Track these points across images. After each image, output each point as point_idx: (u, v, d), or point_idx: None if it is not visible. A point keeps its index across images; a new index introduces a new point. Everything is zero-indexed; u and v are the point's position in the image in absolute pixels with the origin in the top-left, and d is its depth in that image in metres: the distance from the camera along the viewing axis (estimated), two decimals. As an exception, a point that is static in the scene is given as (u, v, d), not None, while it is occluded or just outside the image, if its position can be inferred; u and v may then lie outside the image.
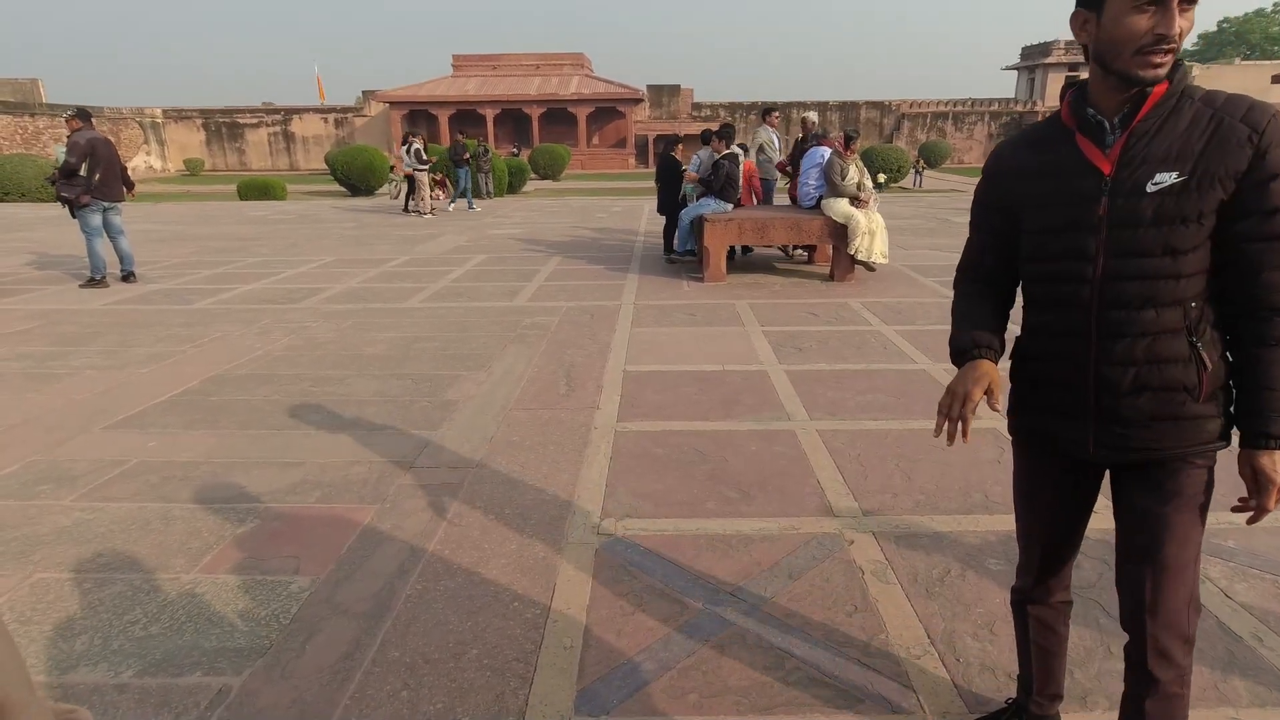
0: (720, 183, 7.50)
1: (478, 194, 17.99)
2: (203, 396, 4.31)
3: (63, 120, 36.36)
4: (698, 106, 43.86)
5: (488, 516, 2.87)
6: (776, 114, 9.61)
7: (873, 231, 7.14)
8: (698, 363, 4.82)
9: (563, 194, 22.15)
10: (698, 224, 7.72)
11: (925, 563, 2.54)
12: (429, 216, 14.44)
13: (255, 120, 45.70)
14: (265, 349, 5.31)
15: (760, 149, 9.32)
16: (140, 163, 42.10)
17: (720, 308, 6.36)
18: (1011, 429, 1.61)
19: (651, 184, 12.08)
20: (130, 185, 8.17)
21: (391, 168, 21.28)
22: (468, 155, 16.18)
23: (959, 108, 43.20)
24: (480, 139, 20.26)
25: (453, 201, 16.18)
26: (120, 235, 7.86)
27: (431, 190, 15.41)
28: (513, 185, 22.01)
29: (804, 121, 9.15)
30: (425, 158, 14.74)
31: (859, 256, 7.15)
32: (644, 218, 13.90)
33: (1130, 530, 1.42)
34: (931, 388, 4.31)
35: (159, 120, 44.69)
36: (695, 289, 7.17)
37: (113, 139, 8.01)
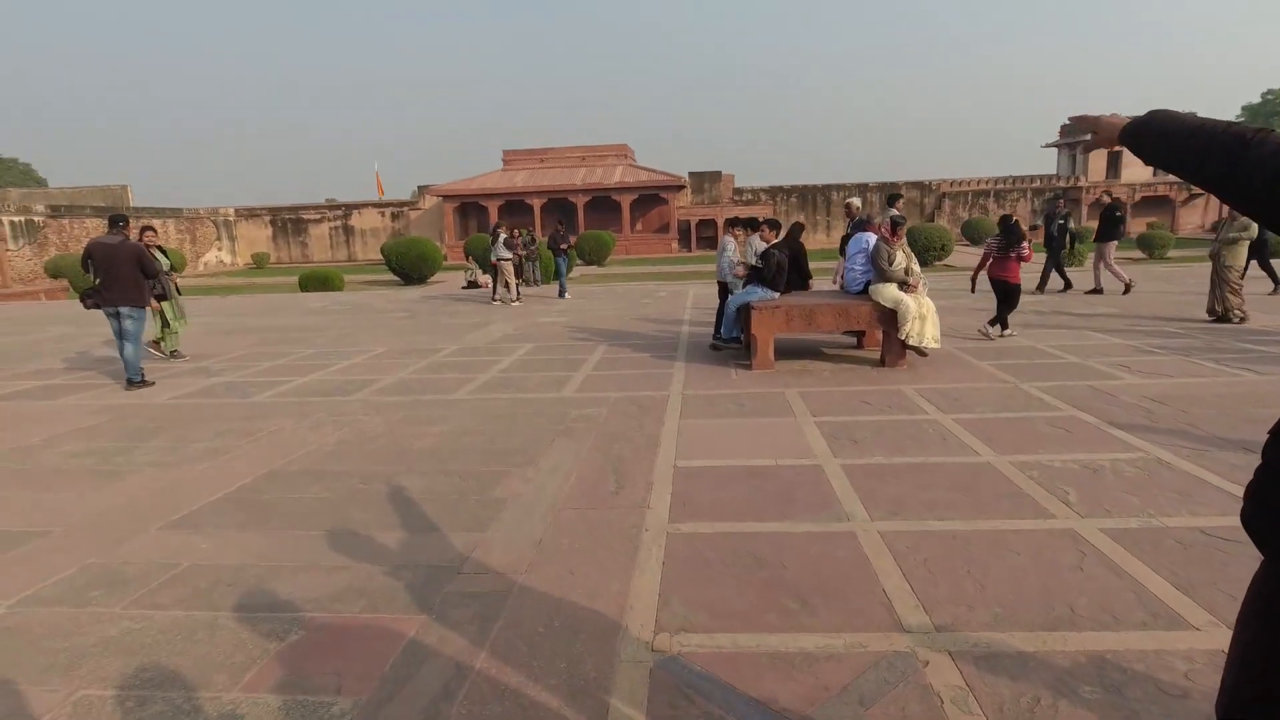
0: (771, 271, 7.53)
1: (527, 281, 18.33)
2: (255, 494, 4.34)
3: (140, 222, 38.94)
4: (739, 191, 44.88)
5: (536, 629, 2.75)
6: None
7: (924, 316, 7.01)
8: (749, 457, 4.69)
9: (608, 279, 22.58)
10: (744, 311, 7.72)
11: (1010, 690, 2.31)
12: (517, 304, 14.73)
13: (318, 216, 48.29)
14: (318, 443, 5.37)
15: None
16: (212, 257, 44.68)
17: (770, 397, 6.25)
18: (1257, 524, 1.26)
19: (692, 268, 12.19)
20: (160, 293, 8.58)
21: (468, 258, 21.71)
22: (565, 246, 16.27)
23: (1000, 185, 43.31)
24: (528, 229, 20.93)
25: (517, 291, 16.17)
26: (128, 341, 7.68)
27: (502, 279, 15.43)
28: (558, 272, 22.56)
29: (848, 207, 9.22)
30: (514, 246, 15.13)
31: (910, 341, 7.01)
32: (689, 303, 14.01)
33: None
34: (997, 482, 4.09)
35: (231, 218, 47.57)
36: (744, 377, 7.09)
37: (144, 238, 8.11)
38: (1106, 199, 12.70)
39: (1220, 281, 9.34)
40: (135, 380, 7.71)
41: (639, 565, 3.24)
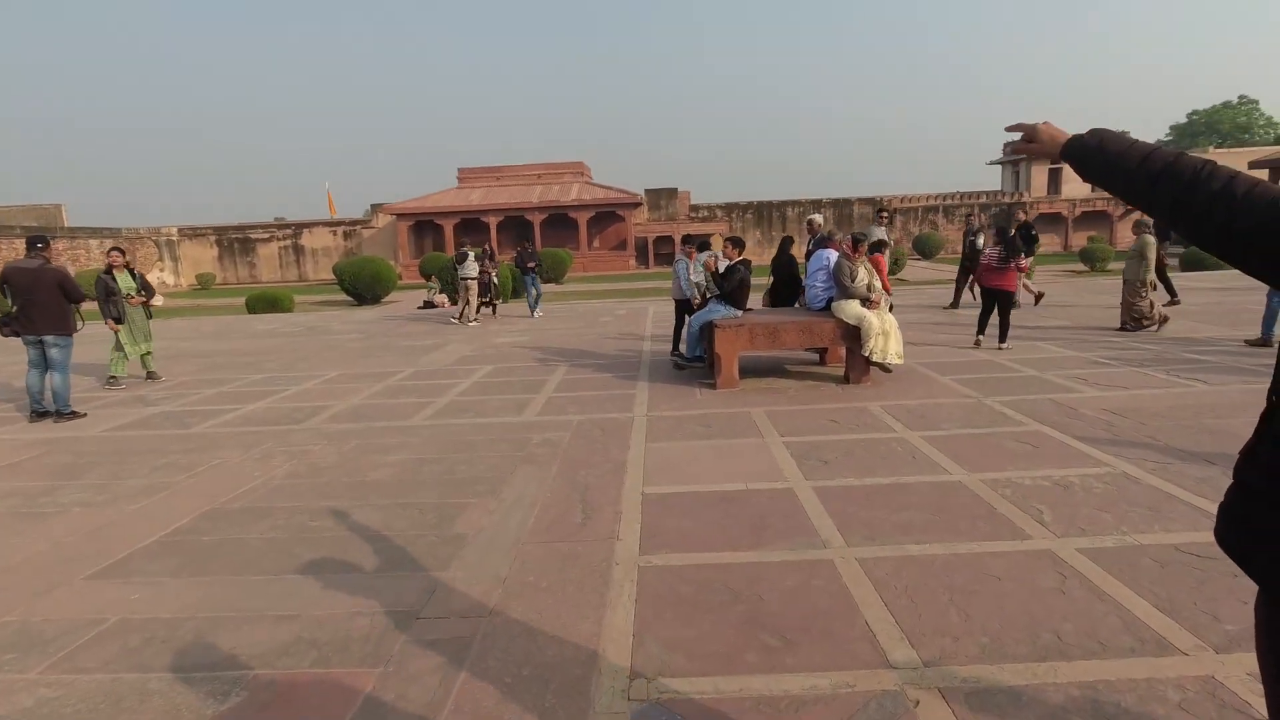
0: (733, 286, 7.46)
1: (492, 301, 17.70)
2: (194, 536, 4.04)
3: (82, 244, 37.48)
4: (695, 208, 45.21)
5: (504, 679, 2.56)
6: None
7: (886, 332, 7.02)
8: (719, 481, 4.57)
9: (566, 297, 22.40)
10: (707, 329, 7.63)
11: (1006, 729, 2.21)
12: (474, 324, 14.35)
13: (267, 235, 47.08)
14: (265, 477, 5.07)
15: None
16: (153, 279, 43.06)
17: (736, 417, 6.15)
18: (1233, 542, 1.28)
19: (651, 285, 12.13)
20: (117, 315, 8.21)
21: (429, 278, 21.06)
22: (533, 264, 15.73)
23: (948, 200, 44.50)
24: (485, 245, 20.49)
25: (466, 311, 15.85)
26: (54, 370, 7.22)
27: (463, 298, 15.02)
28: (516, 291, 22.31)
29: (810, 224, 9.24)
30: (475, 265, 14.71)
31: (874, 358, 7.01)
32: (649, 320, 13.92)
33: None
34: (971, 502, 4.04)
35: (174, 238, 46.04)
36: (709, 397, 6.99)
37: (58, 267, 7.52)
38: (1022, 216, 13.09)
39: (1127, 294, 9.81)
40: (65, 412, 7.24)
41: (610, 603, 3.08)
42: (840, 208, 44.82)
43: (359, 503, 4.47)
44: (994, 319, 8.86)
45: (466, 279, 14.59)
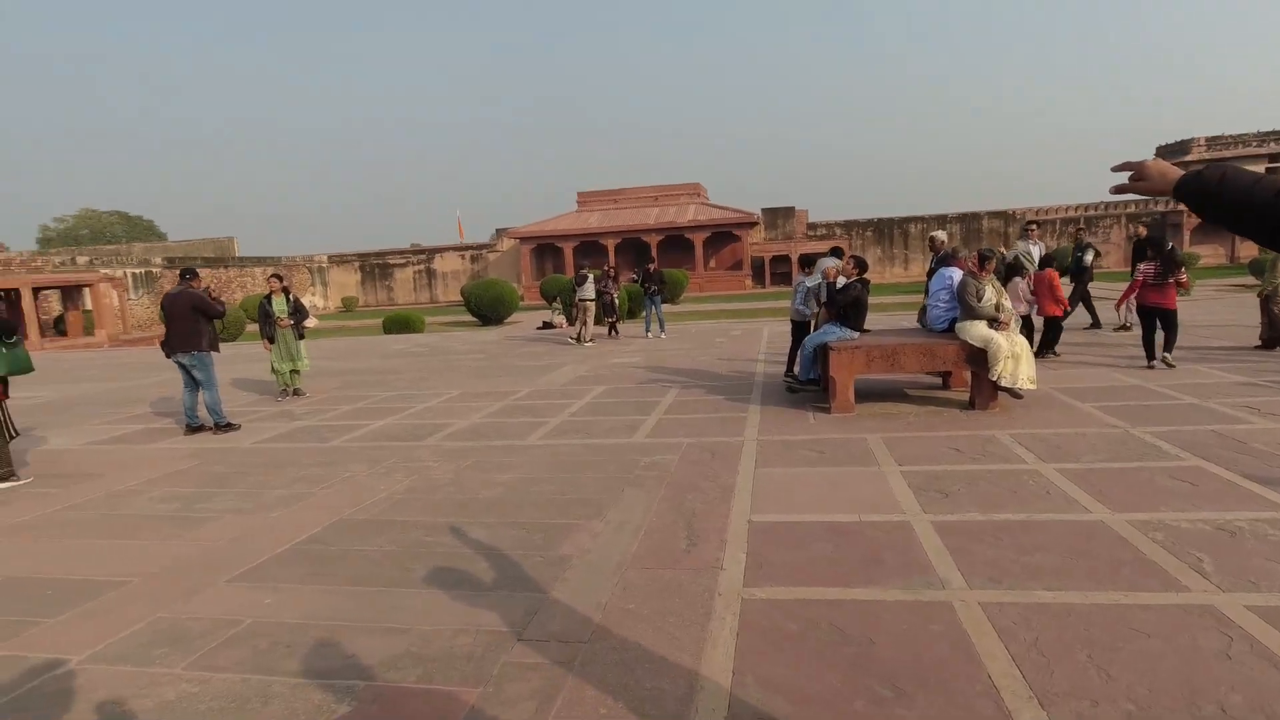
0: (846, 302, 7.19)
1: (599, 320, 17.84)
2: (322, 546, 4.31)
3: (255, 271, 41.57)
4: (813, 226, 44.34)
5: (599, 710, 2.53)
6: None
7: (1017, 355, 6.53)
8: (830, 511, 4.37)
9: (681, 317, 22.49)
10: (821, 351, 7.39)
11: (1154, 814, 1.94)
12: (590, 345, 14.61)
13: (403, 260, 50.37)
14: (387, 491, 5.35)
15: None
16: (306, 302, 47.19)
17: (851, 443, 5.89)
18: None
19: (767, 305, 11.92)
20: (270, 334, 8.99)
21: (552, 300, 21.47)
22: (656, 286, 15.59)
23: (1090, 211, 41.27)
24: (607, 266, 20.70)
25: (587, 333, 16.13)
26: (203, 388, 7.96)
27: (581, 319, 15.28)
28: (632, 311, 22.63)
29: (932, 240, 8.80)
30: (595, 287, 14.98)
31: (1002, 383, 6.53)
32: (763, 341, 13.70)
33: None
34: (1115, 545, 3.64)
35: (324, 265, 50.17)
36: (822, 421, 6.75)
37: (192, 288, 8.13)
38: (1143, 231, 11.81)
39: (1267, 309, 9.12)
40: (221, 425, 7.96)
41: (710, 637, 2.99)
42: (967, 223, 42.61)
43: (470, 520, 4.61)
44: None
45: (584, 300, 14.92)
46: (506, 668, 2.84)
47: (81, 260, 34.16)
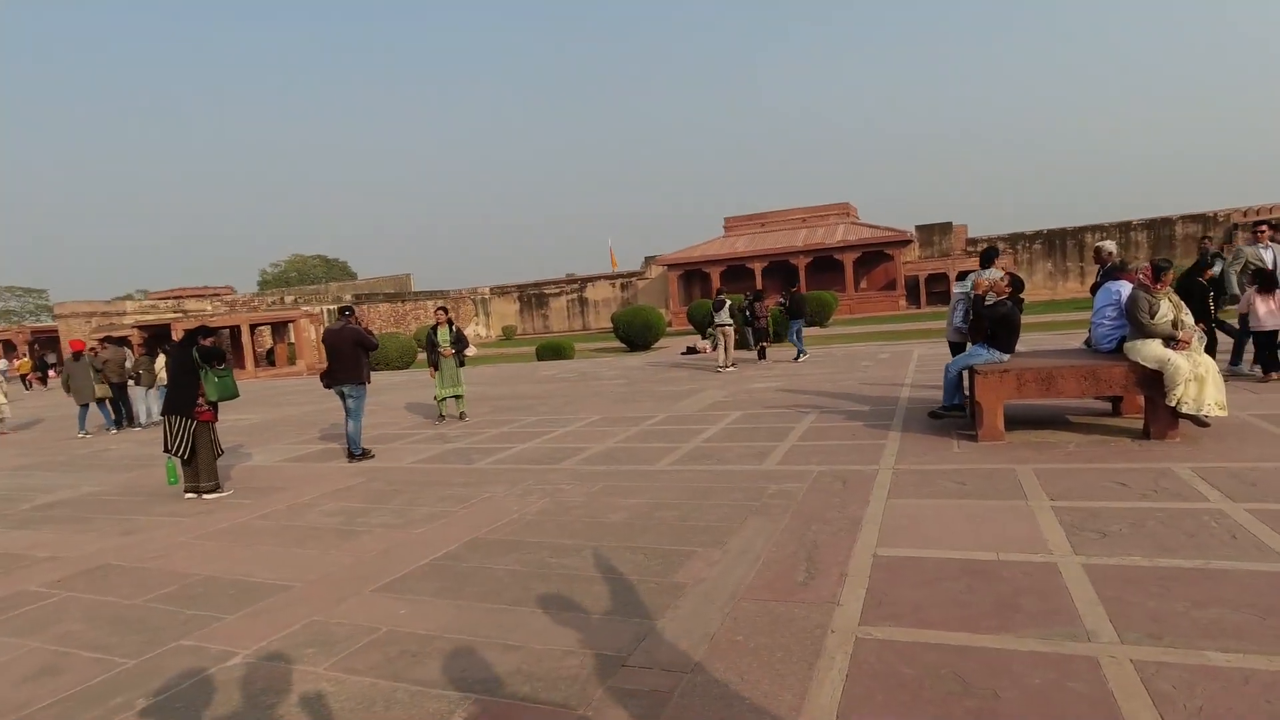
0: (994, 318, 6.68)
1: (745, 345, 17.60)
2: (456, 562, 4.59)
3: (427, 304, 45.38)
4: (973, 241, 41.66)
5: (692, 742, 2.51)
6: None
7: (1201, 378, 5.74)
8: (965, 548, 4.06)
9: (828, 340, 21.85)
10: (969, 375, 6.91)
11: None
12: (731, 369, 14.70)
13: (557, 290, 52.87)
14: (520, 512, 5.62)
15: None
16: (470, 331, 50.83)
17: (997, 474, 5.44)
18: None
19: (920, 325, 11.31)
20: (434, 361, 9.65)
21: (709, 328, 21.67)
22: (798, 311, 15.76)
23: (1319, 211, 35.48)
24: (750, 290, 20.34)
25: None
26: (350, 417, 8.36)
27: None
28: (778, 335, 22.29)
29: (1098, 252, 7.99)
30: (733, 314, 15.15)
31: (1183, 409, 5.76)
32: (912, 365, 13.00)
33: None
34: (1318, 604, 3.10)
35: (486, 296, 53.75)
36: (967, 450, 6.28)
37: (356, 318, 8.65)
38: (1209, 244, 9.69)
39: None
40: (356, 454, 8.37)
41: (817, 675, 2.87)
42: (1156, 229, 38.20)
43: (593, 543, 4.73)
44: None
45: (721, 325, 14.94)
46: (608, 693, 2.88)
47: (289, 299, 39.04)
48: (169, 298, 42.41)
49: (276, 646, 3.57)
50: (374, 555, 4.87)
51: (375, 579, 4.41)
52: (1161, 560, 3.67)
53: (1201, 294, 8.50)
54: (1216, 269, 9.07)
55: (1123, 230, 38.18)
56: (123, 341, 27.06)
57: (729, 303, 15.15)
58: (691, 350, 21.16)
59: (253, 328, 33.59)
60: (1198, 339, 6.01)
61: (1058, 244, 40.03)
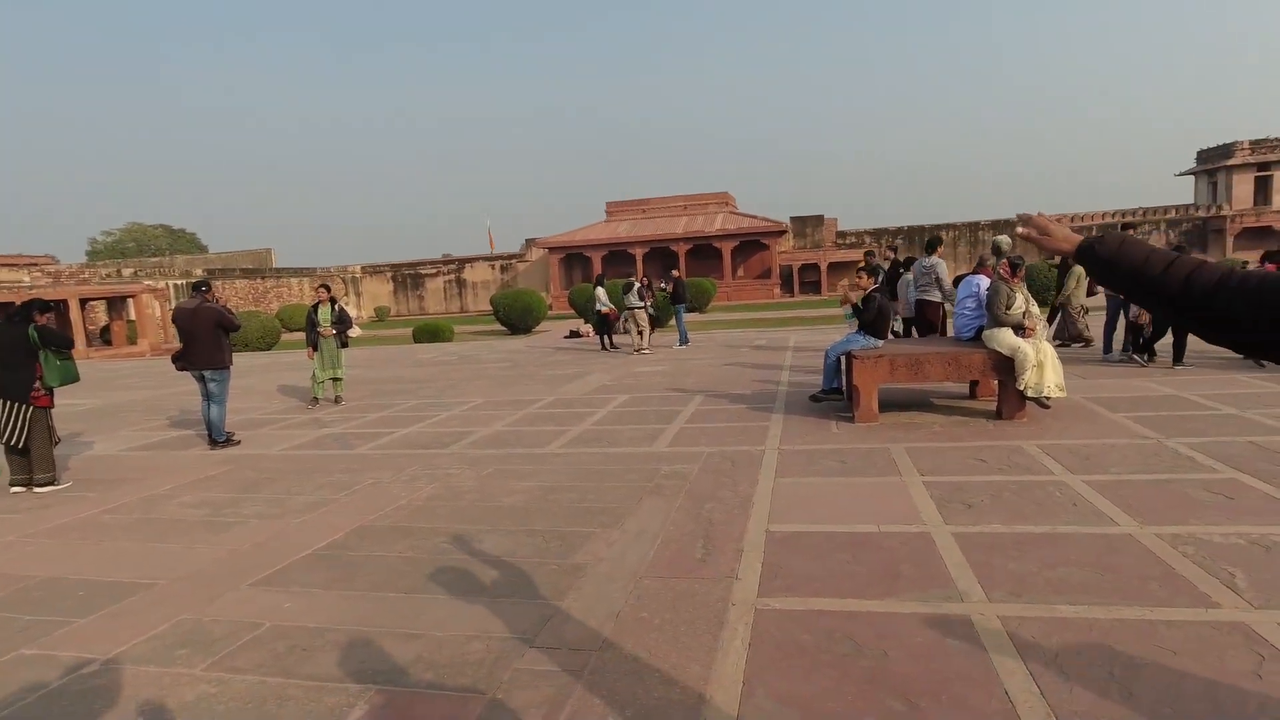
0: (871, 315, 7.13)
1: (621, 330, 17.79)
2: (344, 551, 4.37)
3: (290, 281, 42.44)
4: (842, 234, 44.02)
5: (607, 718, 2.52)
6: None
7: (1042, 364, 6.39)
8: (849, 522, 4.32)
9: (708, 326, 22.43)
10: (846, 360, 7.33)
11: (1173, 837, 1.88)
12: (646, 352, 14.75)
13: (434, 270, 51.03)
14: (409, 498, 5.42)
15: None
16: (350, 312, 48.13)
17: (873, 453, 5.82)
18: None
19: (794, 313, 11.86)
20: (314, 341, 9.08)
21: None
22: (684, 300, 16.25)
23: (1129, 217, 40.30)
24: (644, 278, 20.40)
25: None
26: (212, 402, 7.77)
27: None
28: (659, 320, 22.63)
29: (996, 246, 8.60)
30: (645, 296, 15.23)
31: (1029, 393, 6.39)
32: (789, 351, 13.61)
33: None
34: (1142, 559, 3.54)
35: (357, 275, 51.02)
36: (845, 431, 6.68)
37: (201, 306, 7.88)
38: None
39: None
40: (219, 440, 7.78)
41: (722, 647, 2.97)
42: (1000, 230, 41.88)
43: (489, 527, 4.64)
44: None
45: (633, 309, 14.98)
46: (517, 674, 2.85)
47: (126, 272, 35.26)
48: (-23, 267, 37.27)
49: (142, 650, 3.25)
50: (249, 548, 4.54)
51: (253, 572, 4.11)
52: (1018, 527, 4.07)
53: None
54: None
55: (972, 229, 41.61)
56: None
57: (637, 285, 15.20)
58: (575, 334, 21.10)
59: (83, 302, 30.14)
60: (1043, 328, 6.68)
61: (918, 240, 43.06)
